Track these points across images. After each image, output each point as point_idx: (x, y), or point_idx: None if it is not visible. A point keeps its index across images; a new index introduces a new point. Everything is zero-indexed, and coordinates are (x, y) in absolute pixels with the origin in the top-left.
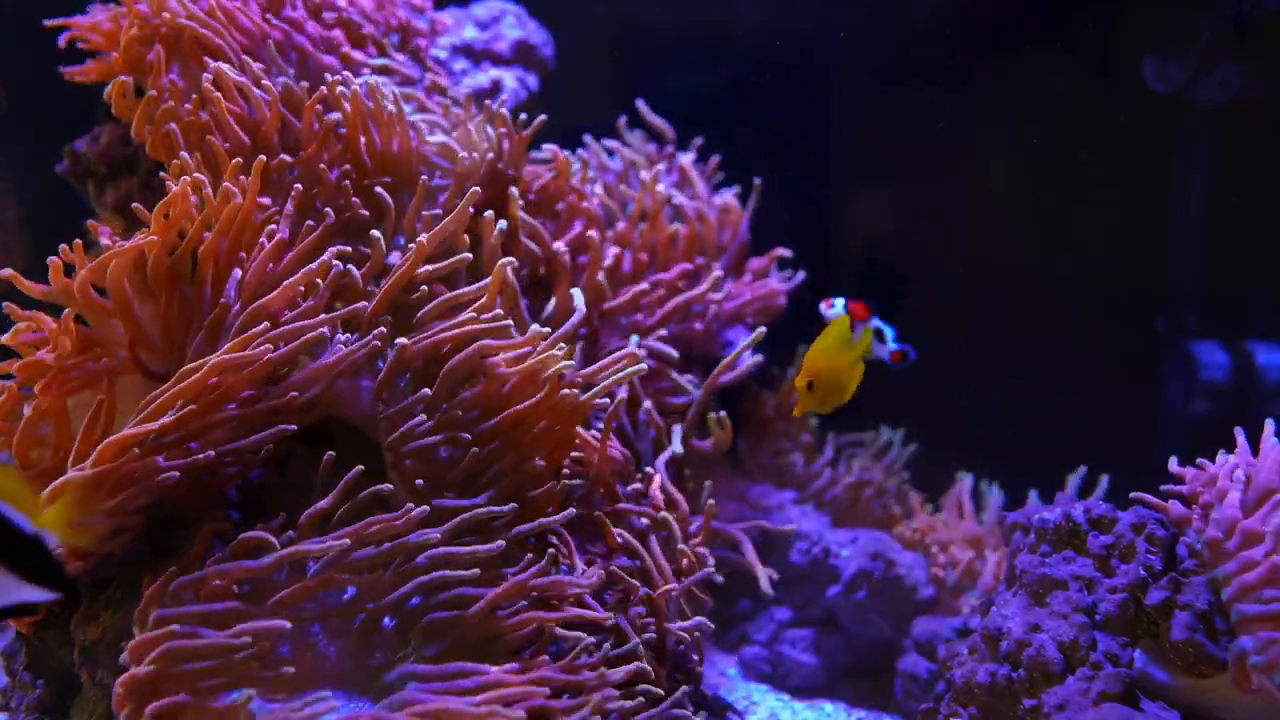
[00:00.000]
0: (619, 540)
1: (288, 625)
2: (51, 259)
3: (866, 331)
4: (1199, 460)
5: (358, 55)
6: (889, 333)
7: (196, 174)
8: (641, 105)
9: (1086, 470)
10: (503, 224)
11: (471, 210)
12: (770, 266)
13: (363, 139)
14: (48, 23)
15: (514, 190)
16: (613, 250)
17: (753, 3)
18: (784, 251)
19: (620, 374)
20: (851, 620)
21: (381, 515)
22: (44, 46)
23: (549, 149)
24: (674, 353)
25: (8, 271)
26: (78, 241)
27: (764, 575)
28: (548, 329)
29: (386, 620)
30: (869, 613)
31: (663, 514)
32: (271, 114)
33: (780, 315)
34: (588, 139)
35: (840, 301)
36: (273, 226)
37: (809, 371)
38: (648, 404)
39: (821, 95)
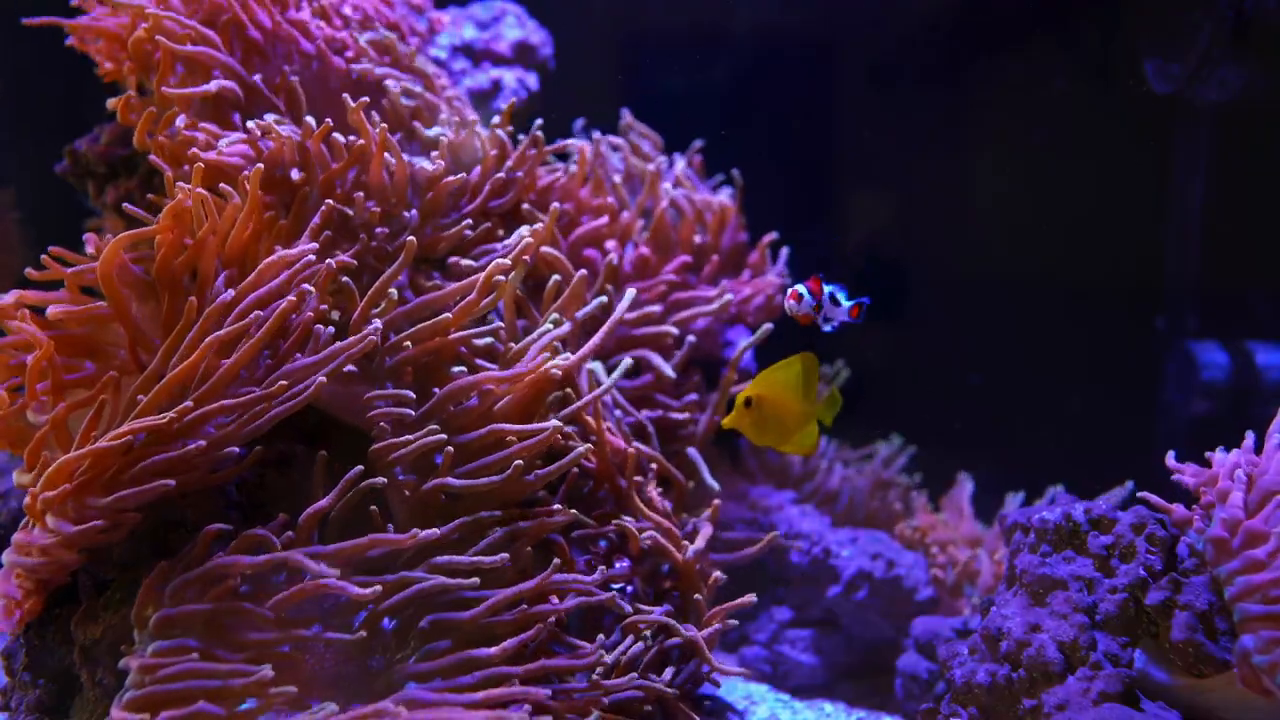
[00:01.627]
0: (643, 546)
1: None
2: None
3: (835, 394)
4: (1205, 454)
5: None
6: (842, 295)
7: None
8: (627, 114)
9: (1086, 469)
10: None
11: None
12: (765, 260)
13: (380, 165)
14: (64, 20)
15: (555, 205)
16: (611, 244)
17: (752, 3)
18: (773, 236)
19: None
20: (851, 620)
21: (384, 535)
22: (44, 46)
23: (575, 144)
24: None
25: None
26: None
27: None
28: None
29: (386, 622)
30: (869, 613)
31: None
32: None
33: (780, 312)
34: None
35: (802, 289)
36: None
37: (755, 390)
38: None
39: (821, 95)
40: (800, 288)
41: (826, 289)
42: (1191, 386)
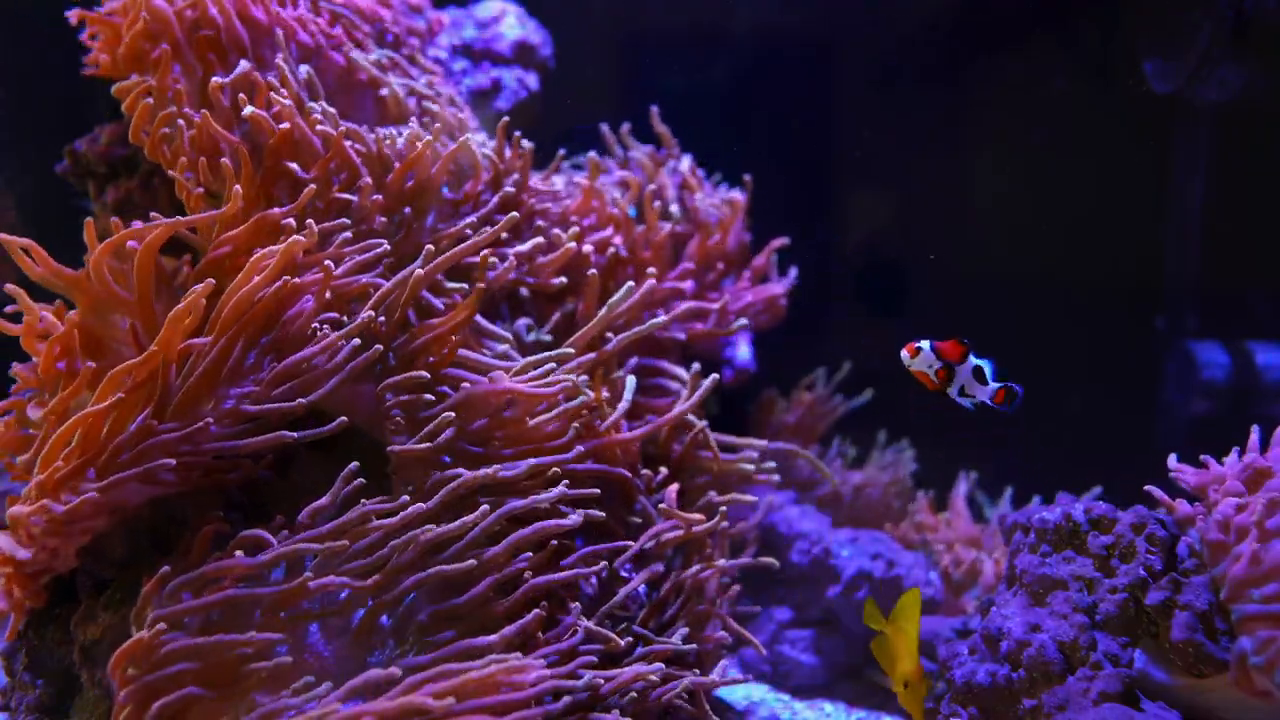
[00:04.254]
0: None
1: (278, 636)
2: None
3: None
4: (1203, 458)
5: (357, 55)
6: (988, 369)
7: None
8: (654, 112)
9: (1086, 470)
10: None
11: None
12: (770, 265)
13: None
14: (70, 15)
15: (576, 228)
16: (617, 239)
17: (752, 3)
18: (783, 241)
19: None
20: (851, 620)
21: (374, 502)
22: (44, 46)
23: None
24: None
25: (26, 241)
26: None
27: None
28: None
29: (384, 618)
30: None
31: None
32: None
33: (782, 316)
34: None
35: (926, 344)
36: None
37: (906, 669)
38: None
39: (821, 95)
40: (924, 343)
41: (972, 359)
42: (1191, 386)
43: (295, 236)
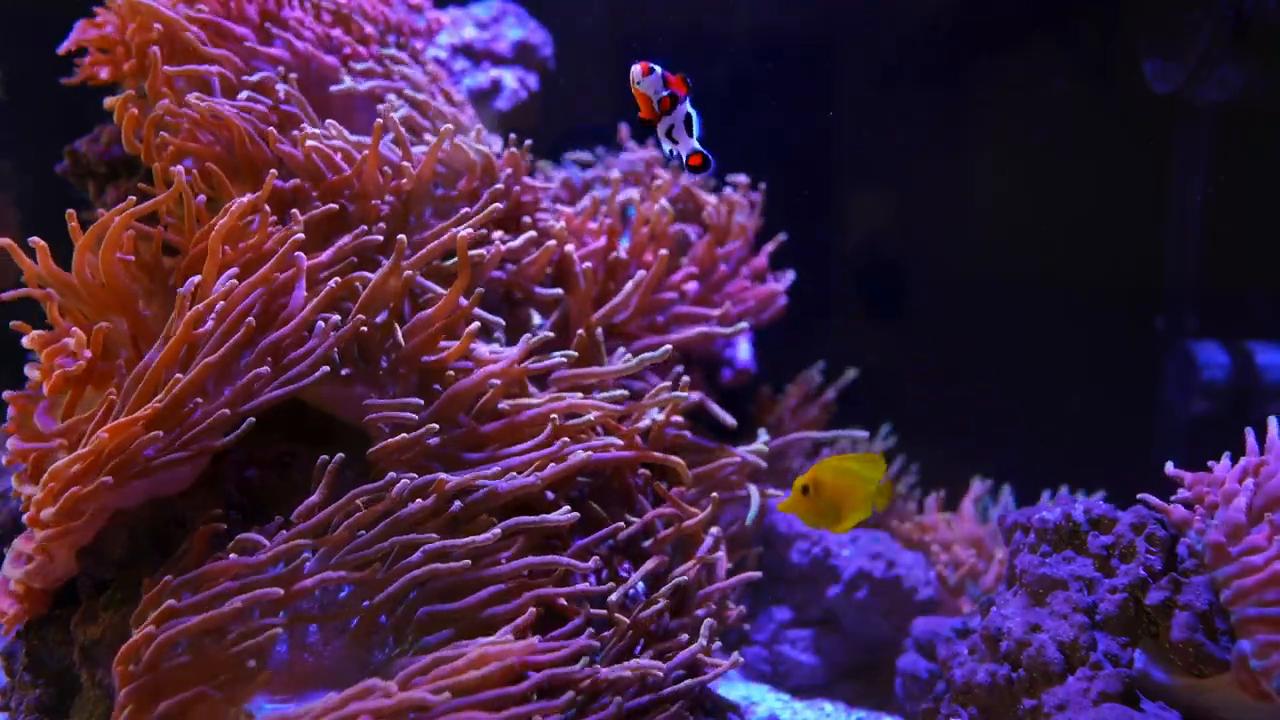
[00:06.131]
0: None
1: (279, 592)
2: (37, 240)
3: (888, 486)
4: (1210, 463)
5: (360, 53)
6: (697, 122)
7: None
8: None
9: (1086, 470)
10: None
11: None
12: (767, 266)
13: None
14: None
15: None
16: (621, 244)
17: (752, 3)
18: (781, 238)
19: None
20: (851, 620)
21: (367, 485)
22: (44, 46)
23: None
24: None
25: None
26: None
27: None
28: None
29: (384, 618)
30: (869, 613)
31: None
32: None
33: (783, 315)
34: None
35: (658, 68)
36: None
37: (814, 475)
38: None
39: (821, 95)
40: (656, 66)
41: (686, 103)
42: (1191, 386)
43: (297, 251)
